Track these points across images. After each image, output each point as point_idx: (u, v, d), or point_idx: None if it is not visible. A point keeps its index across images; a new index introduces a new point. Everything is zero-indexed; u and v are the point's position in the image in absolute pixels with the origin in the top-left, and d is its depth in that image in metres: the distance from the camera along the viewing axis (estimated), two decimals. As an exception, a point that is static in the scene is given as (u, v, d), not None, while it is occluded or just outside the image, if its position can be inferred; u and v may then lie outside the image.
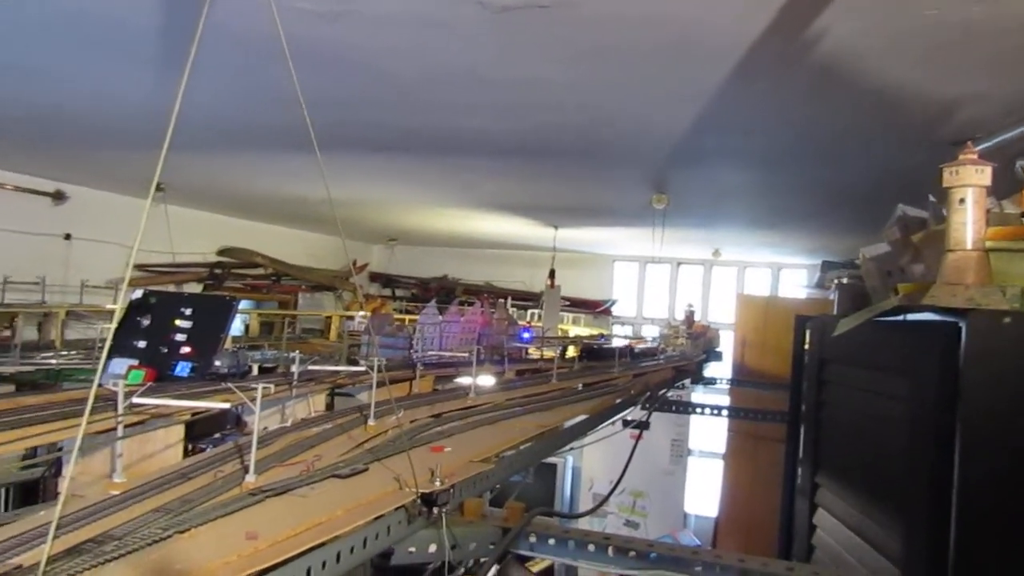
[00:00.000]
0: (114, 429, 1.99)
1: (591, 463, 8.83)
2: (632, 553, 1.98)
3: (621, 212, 6.87)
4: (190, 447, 2.43)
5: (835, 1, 2.12)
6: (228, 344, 3.23)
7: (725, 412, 6.86)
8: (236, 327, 7.23)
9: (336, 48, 2.76)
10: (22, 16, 2.66)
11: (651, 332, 9.77)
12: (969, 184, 2.15)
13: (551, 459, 8.30)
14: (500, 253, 11.52)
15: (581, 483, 9.12)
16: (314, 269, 10.04)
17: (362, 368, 3.10)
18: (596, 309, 10.92)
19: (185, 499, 1.70)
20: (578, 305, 10.78)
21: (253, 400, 1.99)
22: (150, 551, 1.37)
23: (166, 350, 3.00)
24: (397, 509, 1.74)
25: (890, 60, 2.57)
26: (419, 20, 2.46)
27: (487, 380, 3.79)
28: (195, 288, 8.23)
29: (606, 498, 4.58)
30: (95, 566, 1.29)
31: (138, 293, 3.25)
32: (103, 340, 4.39)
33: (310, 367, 3.13)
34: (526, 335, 6.19)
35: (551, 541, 2.09)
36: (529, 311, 10.01)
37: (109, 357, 2.90)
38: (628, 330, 10.88)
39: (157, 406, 2.21)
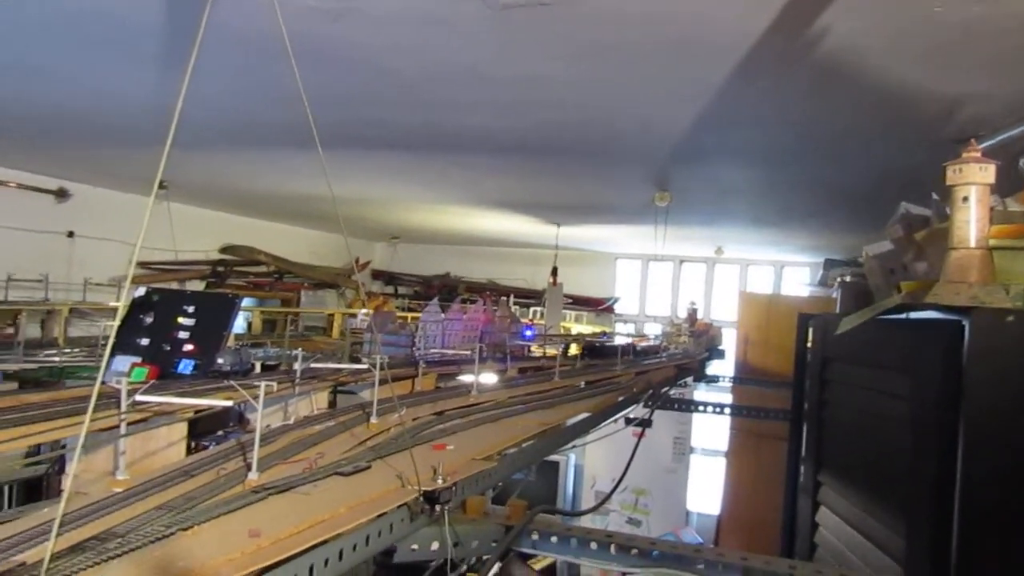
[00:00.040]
0: (117, 427, 2.00)
1: (593, 461, 8.84)
2: (634, 551, 1.98)
3: (623, 210, 6.87)
4: (193, 445, 2.44)
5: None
6: (231, 342, 3.23)
7: (727, 410, 6.85)
8: (239, 325, 7.24)
9: (338, 46, 2.76)
10: (24, 15, 2.66)
11: (653, 330, 9.76)
12: (973, 182, 2.15)
13: (553, 457, 8.31)
14: (502, 251, 11.52)
15: (583, 481, 9.13)
16: (317, 267, 10.05)
17: (364, 366, 3.10)
18: (598, 307, 10.92)
19: (188, 497, 1.71)
20: (580, 303, 10.78)
21: (256, 398, 1.99)
22: (153, 548, 1.38)
23: (169, 348, 3.01)
24: (399, 507, 1.74)
25: (891, 59, 2.57)
26: (421, 18, 2.46)
27: (489, 378, 3.80)
28: (198, 286, 8.24)
29: (608, 496, 4.58)
30: (98, 563, 1.29)
31: (141, 291, 3.26)
32: (106, 338, 4.40)
33: (312, 365, 3.13)
34: (528, 333, 6.21)
35: (553, 539, 2.09)
36: (531, 309, 10.01)
37: (112, 355, 2.90)
38: (630, 328, 10.87)
39: (160, 404, 2.22)
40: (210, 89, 3.43)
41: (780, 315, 7.95)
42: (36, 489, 3.96)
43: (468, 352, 4.27)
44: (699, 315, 8.78)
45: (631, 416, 4.78)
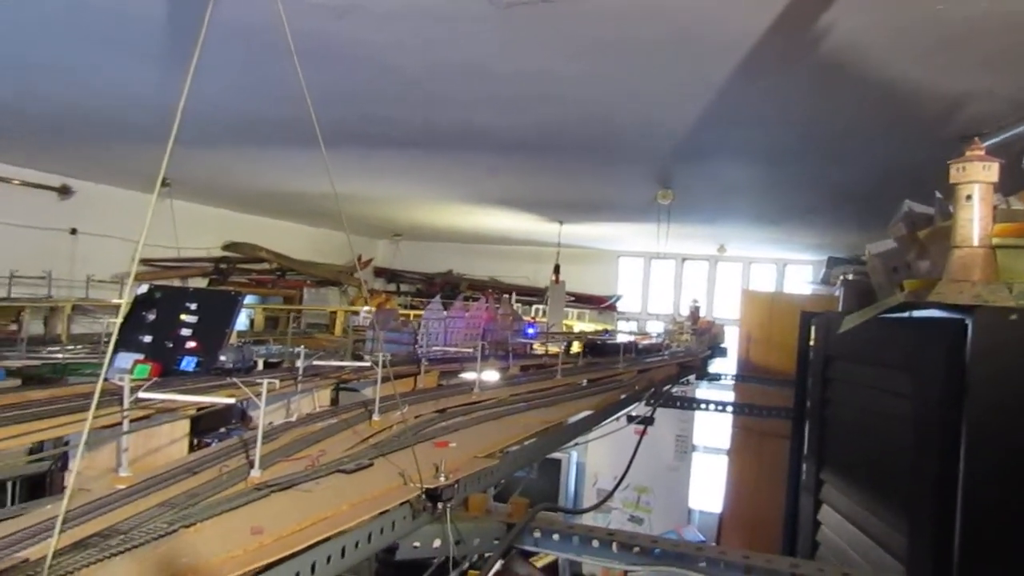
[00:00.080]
0: (120, 424, 2.00)
1: (595, 459, 8.85)
2: (636, 549, 1.98)
3: (626, 208, 6.86)
4: (195, 442, 2.44)
5: (840, -3, 2.11)
6: (233, 339, 3.24)
7: (730, 408, 6.85)
8: (241, 322, 7.23)
9: (341, 43, 2.76)
10: (26, 12, 2.66)
11: (656, 328, 9.76)
12: (976, 180, 2.14)
13: (555, 455, 8.33)
14: (505, 248, 11.51)
15: (585, 479, 9.15)
16: (319, 264, 10.05)
17: (367, 363, 3.11)
18: (601, 305, 10.92)
19: (191, 493, 1.71)
20: (583, 300, 10.77)
21: (258, 395, 1.99)
22: (156, 545, 1.38)
23: (171, 345, 3.02)
24: (402, 504, 1.74)
25: (894, 56, 2.56)
26: (424, 15, 2.45)
27: (491, 376, 3.80)
28: (200, 283, 8.24)
29: (610, 494, 4.58)
30: (101, 560, 1.30)
31: (143, 288, 3.26)
32: (109, 335, 4.41)
33: (315, 362, 3.13)
34: (531, 330, 6.20)
35: (555, 537, 2.09)
36: (534, 306, 10.01)
37: (115, 352, 2.91)
38: (633, 326, 10.87)
39: (163, 401, 2.22)
40: (213, 86, 3.43)
41: (782, 313, 7.93)
42: (39, 486, 3.96)
43: (470, 350, 4.27)
44: (701, 313, 8.77)
45: (633, 414, 4.78)
